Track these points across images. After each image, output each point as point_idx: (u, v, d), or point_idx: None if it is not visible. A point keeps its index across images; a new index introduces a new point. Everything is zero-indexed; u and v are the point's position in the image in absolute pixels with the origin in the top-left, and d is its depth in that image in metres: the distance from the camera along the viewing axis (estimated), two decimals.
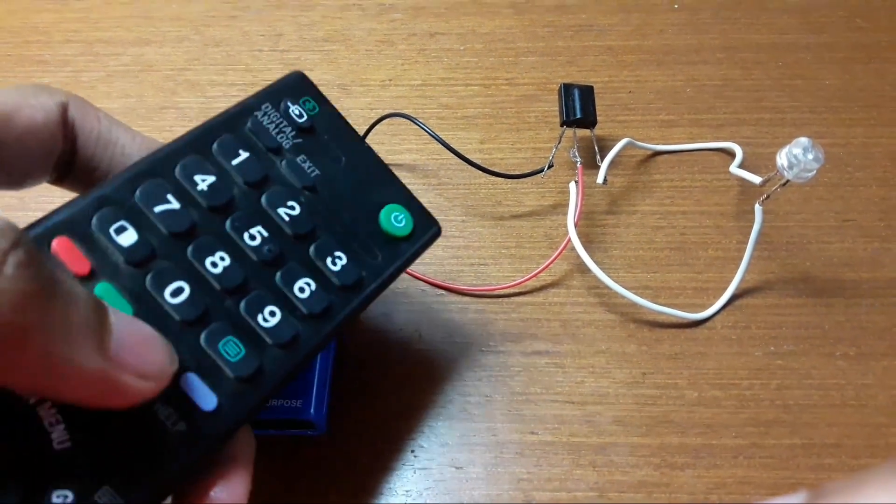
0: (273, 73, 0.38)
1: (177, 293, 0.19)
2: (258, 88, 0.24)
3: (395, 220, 0.24)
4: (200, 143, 0.22)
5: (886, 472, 0.14)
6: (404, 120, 0.35)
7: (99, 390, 0.16)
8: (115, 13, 0.41)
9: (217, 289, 0.20)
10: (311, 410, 0.27)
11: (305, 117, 0.23)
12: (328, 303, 0.22)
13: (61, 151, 0.22)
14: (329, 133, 0.24)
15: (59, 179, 0.23)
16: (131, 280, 0.19)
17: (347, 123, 0.25)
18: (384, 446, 0.29)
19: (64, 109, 0.22)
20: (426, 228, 0.26)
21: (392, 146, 0.36)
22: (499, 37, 0.40)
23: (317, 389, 0.27)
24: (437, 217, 0.34)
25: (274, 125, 0.23)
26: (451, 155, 0.34)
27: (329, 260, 0.22)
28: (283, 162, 0.23)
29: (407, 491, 0.28)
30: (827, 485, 0.15)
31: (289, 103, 0.23)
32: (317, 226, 0.22)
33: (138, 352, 0.17)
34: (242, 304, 0.20)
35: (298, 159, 0.23)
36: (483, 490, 0.28)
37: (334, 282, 0.22)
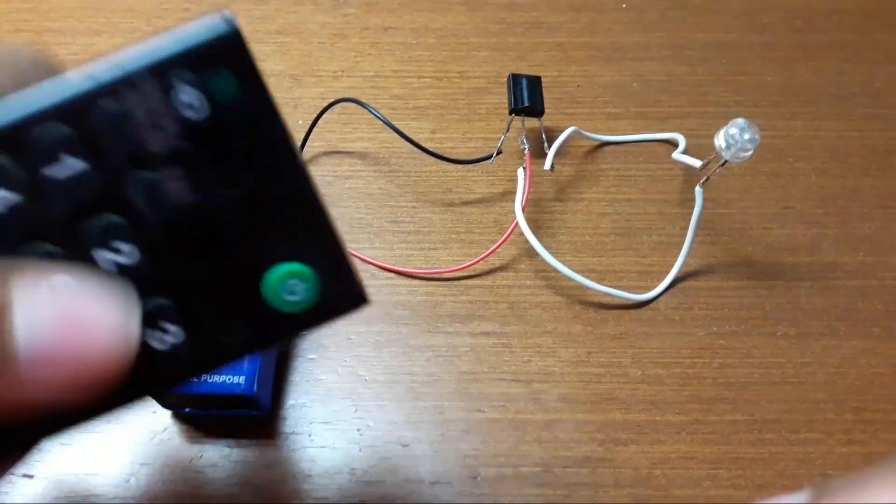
0: None
1: None
2: None
3: (286, 287, 0.15)
4: (16, 130, 0.13)
5: (890, 471, 0.14)
6: (356, 108, 0.36)
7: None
8: (66, 4, 0.41)
9: None
10: (255, 388, 0.27)
11: (206, 111, 0.14)
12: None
13: None
14: (244, 138, 0.15)
15: None
16: None
17: (283, 127, 0.15)
18: (329, 424, 0.29)
19: None
20: (340, 302, 0.15)
21: (343, 134, 0.36)
22: (451, 32, 0.40)
23: (260, 367, 0.27)
24: (387, 203, 0.34)
25: (149, 114, 0.14)
26: (402, 143, 0.34)
27: (158, 335, 0.14)
28: (138, 178, 0.14)
29: (352, 469, 0.28)
30: (829, 484, 0.14)
31: (184, 82, 0.14)
32: (156, 282, 0.14)
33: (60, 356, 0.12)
34: None
35: (168, 175, 0.14)
36: (429, 467, 0.28)
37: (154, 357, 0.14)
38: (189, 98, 0.14)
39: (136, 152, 0.14)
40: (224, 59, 0.14)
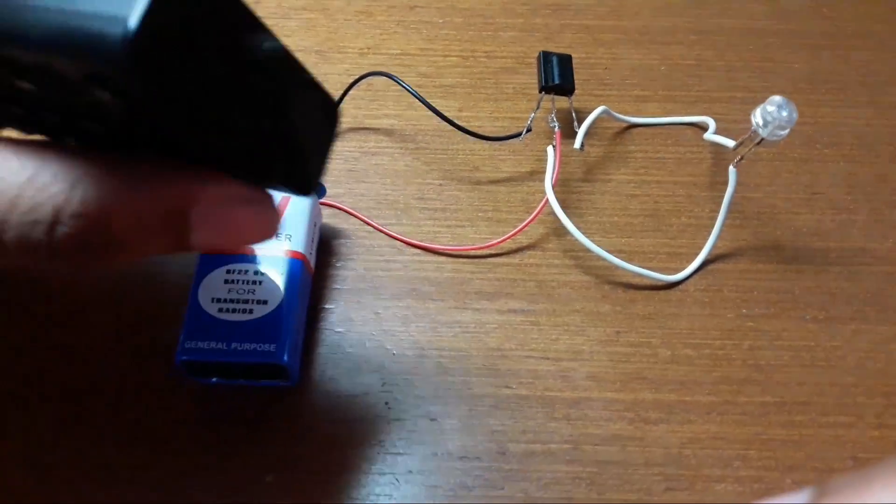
0: None
1: None
2: None
3: None
4: None
5: (891, 470, 0.14)
6: (383, 85, 0.35)
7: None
8: None
9: None
10: (285, 356, 0.26)
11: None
12: None
13: None
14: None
15: None
16: None
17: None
18: (356, 399, 0.29)
19: None
20: None
21: (370, 111, 0.36)
22: (478, 12, 0.40)
23: (290, 335, 0.27)
24: (414, 181, 0.34)
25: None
26: (429, 120, 0.34)
27: None
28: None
29: (381, 441, 0.28)
30: (831, 482, 0.14)
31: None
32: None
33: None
34: None
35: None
36: (457, 441, 0.28)
37: None
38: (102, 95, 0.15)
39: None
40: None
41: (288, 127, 0.18)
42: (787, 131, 0.28)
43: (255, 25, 0.16)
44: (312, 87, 0.19)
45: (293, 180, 0.19)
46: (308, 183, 0.20)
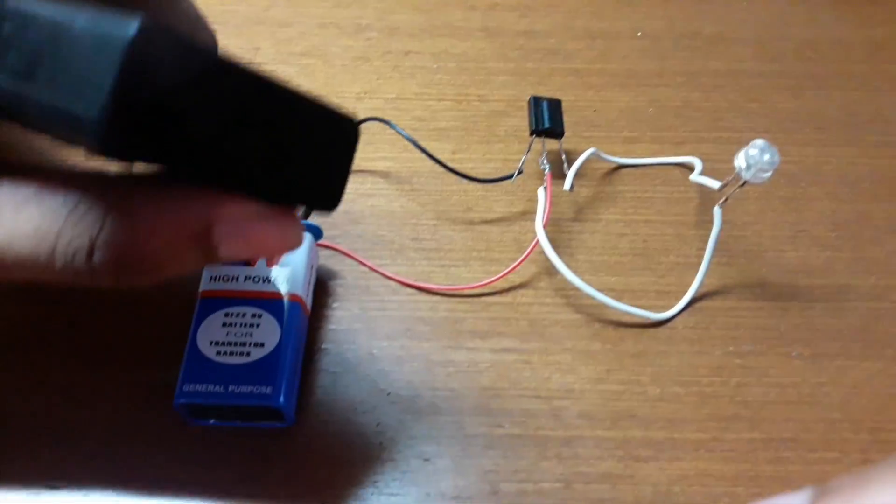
0: None
1: None
2: None
3: None
4: None
5: (891, 470, 0.14)
6: (379, 129, 0.36)
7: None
8: None
9: None
10: (281, 398, 0.27)
11: None
12: None
13: None
14: None
15: None
16: None
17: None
18: (351, 439, 0.29)
19: None
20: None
21: (367, 154, 0.37)
22: (471, 57, 0.41)
23: (286, 377, 0.28)
24: (409, 221, 0.35)
25: None
26: (424, 163, 0.35)
27: None
28: None
29: (375, 482, 0.28)
30: (832, 482, 0.14)
31: None
32: None
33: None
34: None
35: None
36: (450, 481, 0.28)
37: None
38: None
39: None
40: None
41: (299, 152, 0.19)
42: (769, 174, 0.29)
43: (240, 71, 0.17)
44: (318, 109, 0.19)
45: (315, 199, 0.20)
46: (329, 200, 0.20)
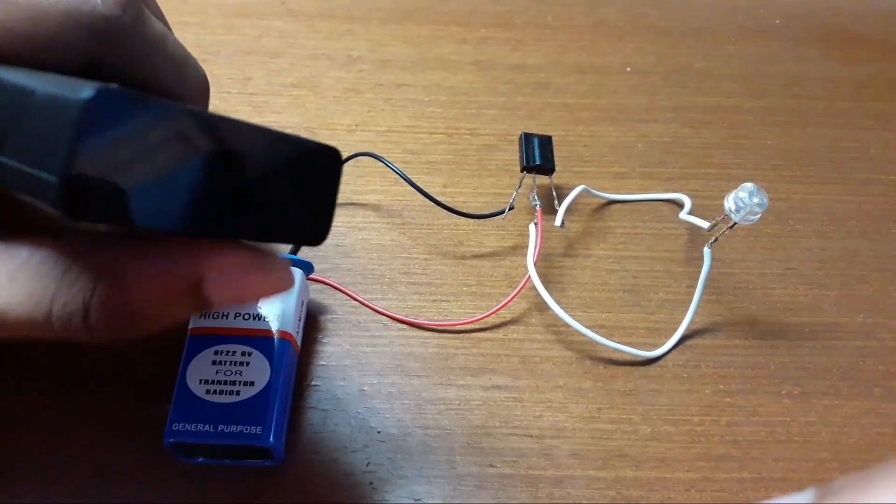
0: (240, 114, 0.39)
1: None
2: None
3: None
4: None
5: (892, 470, 0.14)
6: (370, 162, 0.37)
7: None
8: None
9: None
10: (271, 438, 0.27)
11: None
12: None
13: None
14: None
15: None
16: None
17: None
18: (341, 478, 0.29)
19: None
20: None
21: (357, 187, 0.37)
22: (462, 91, 0.42)
23: (276, 416, 0.27)
24: (400, 255, 0.35)
25: None
26: (415, 197, 0.35)
27: None
28: None
29: None
30: (834, 482, 0.14)
31: None
32: None
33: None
34: None
35: None
36: None
37: None
38: None
39: None
40: None
41: (278, 191, 0.18)
42: (758, 216, 0.29)
43: (208, 121, 0.16)
44: (293, 144, 0.19)
45: (301, 235, 0.20)
46: (316, 235, 0.20)
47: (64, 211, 0.14)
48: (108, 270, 0.17)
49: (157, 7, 0.23)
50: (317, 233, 0.20)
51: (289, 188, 0.19)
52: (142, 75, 0.20)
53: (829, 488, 0.14)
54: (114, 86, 0.14)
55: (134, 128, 0.14)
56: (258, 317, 0.29)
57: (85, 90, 0.14)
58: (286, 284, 0.19)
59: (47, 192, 0.14)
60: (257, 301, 0.24)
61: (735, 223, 0.29)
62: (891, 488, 0.13)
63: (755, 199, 0.28)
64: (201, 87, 0.23)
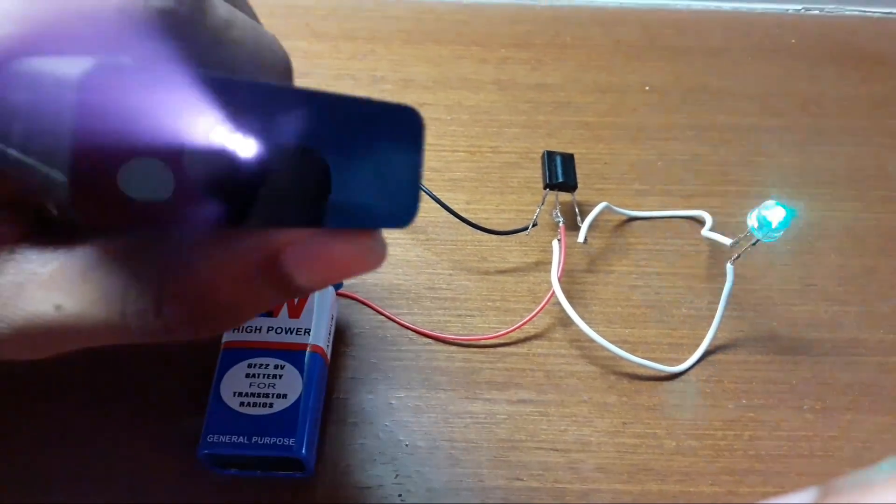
0: None
1: None
2: None
3: None
4: None
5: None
6: None
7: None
8: None
9: None
10: (304, 450, 0.27)
11: None
12: None
13: None
14: None
15: None
16: None
17: None
18: (370, 490, 0.29)
19: None
20: None
21: None
22: (483, 109, 0.42)
23: (308, 428, 0.28)
24: (425, 271, 0.36)
25: None
26: (439, 213, 0.36)
27: None
28: None
29: None
30: (836, 482, 0.14)
31: None
32: None
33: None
34: None
35: None
36: None
37: None
38: None
39: None
40: None
41: (354, 165, 0.16)
42: (781, 233, 0.30)
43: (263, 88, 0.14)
44: (361, 106, 0.16)
45: (386, 216, 0.17)
46: (404, 213, 0.17)
47: (80, 218, 0.12)
48: (174, 259, 0.16)
49: None
50: (406, 211, 0.17)
51: (371, 159, 0.16)
52: (208, 65, 0.18)
53: (830, 487, 0.14)
54: (117, 57, 0.12)
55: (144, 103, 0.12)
56: (290, 331, 0.30)
57: (80, 65, 0.11)
58: (379, 256, 0.17)
59: (60, 194, 0.12)
60: (346, 278, 0.20)
61: (757, 240, 0.30)
62: (892, 488, 0.13)
63: (779, 217, 0.29)
64: (280, 69, 0.20)
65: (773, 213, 0.29)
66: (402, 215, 0.17)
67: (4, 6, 0.15)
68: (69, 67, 0.12)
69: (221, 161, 0.13)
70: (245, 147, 0.13)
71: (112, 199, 0.12)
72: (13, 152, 0.14)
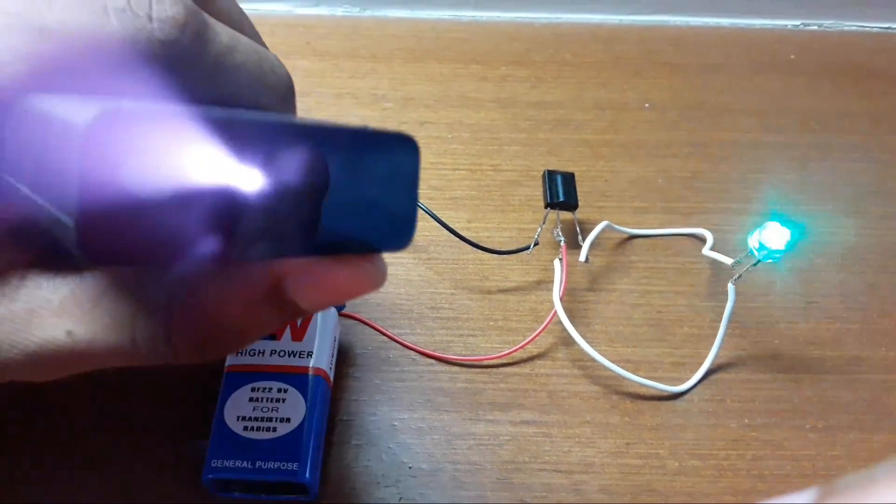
0: None
1: None
2: None
3: None
4: None
5: None
6: None
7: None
8: None
9: None
10: (307, 474, 0.27)
11: None
12: None
13: None
14: None
15: None
16: None
17: None
18: None
19: None
20: None
21: None
22: (484, 127, 0.43)
23: (312, 452, 0.28)
24: (427, 290, 0.36)
25: None
26: (440, 232, 0.36)
27: None
28: None
29: None
30: (837, 482, 0.14)
31: None
32: None
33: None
34: None
35: None
36: None
37: None
38: None
39: None
40: None
41: (351, 194, 0.16)
42: (782, 254, 0.30)
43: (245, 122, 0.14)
44: (355, 137, 0.16)
45: (383, 239, 0.17)
46: (400, 236, 0.18)
47: (86, 262, 0.12)
48: (184, 286, 0.16)
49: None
50: (403, 234, 0.18)
51: (367, 187, 0.16)
52: (211, 91, 0.18)
53: (831, 488, 0.14)
54: (123, 103, 0.12)
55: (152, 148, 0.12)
56: (293, 354, 0.30)
57: (87, 111, 0.12)
58: (378, 279, 0.17)
59: (68, 236, 0.12)
60: (348, 300, 0.21)
61: (759, 261, 0.30)
62: (893, 487, 0.13)
63: (780, 238, 0.29)
64: (282, 91, 0.21)
65: (773, 235, 0.29)
66: (400, 239, 0.18)
67: (12, 43, 0.15)
68: (76, 112, 0.12)
69: (224, 200, 0.13)
70: (246, 184, 0.14)
71: (119, 244, 0.12)
72: (23, 188, 0.14)
